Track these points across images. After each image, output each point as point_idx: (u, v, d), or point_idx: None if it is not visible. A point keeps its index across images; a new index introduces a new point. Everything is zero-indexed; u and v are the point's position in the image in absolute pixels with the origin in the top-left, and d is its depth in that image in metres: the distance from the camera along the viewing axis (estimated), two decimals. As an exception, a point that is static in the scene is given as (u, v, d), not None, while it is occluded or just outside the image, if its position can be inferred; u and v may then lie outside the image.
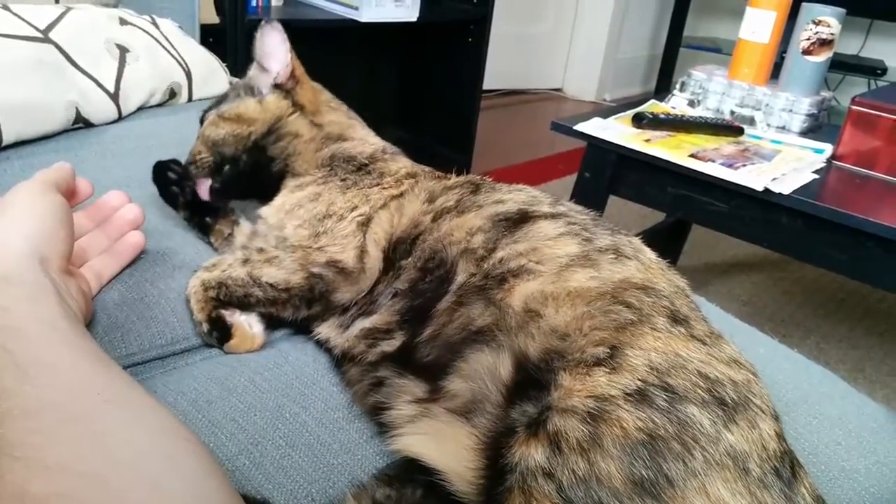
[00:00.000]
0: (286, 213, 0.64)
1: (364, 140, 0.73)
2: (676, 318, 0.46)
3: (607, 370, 0.41)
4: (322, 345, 0.59)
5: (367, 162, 0.69)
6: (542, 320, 0.46)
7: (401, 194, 0.63)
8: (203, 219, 0.71)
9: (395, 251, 0.58)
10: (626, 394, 0.40)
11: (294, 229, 0.62)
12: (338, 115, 0.74)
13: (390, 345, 0.54)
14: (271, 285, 0.58)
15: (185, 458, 0.37)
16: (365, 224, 0.61)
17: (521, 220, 0.56)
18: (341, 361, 0.57)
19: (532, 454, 0.38)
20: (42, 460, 0.32)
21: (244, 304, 0.59)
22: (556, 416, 0.39)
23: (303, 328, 0.61)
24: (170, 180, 0.71)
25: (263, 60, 0.72)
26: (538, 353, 0.44)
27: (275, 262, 0.59)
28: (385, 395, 0.51)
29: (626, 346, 0.43)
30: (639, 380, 0.40)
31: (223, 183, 0.69)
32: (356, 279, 0.58)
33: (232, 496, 0.38)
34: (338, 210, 0.62)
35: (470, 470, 0.42)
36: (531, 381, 0.43)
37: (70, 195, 0.57)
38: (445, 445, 0.45)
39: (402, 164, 0.70)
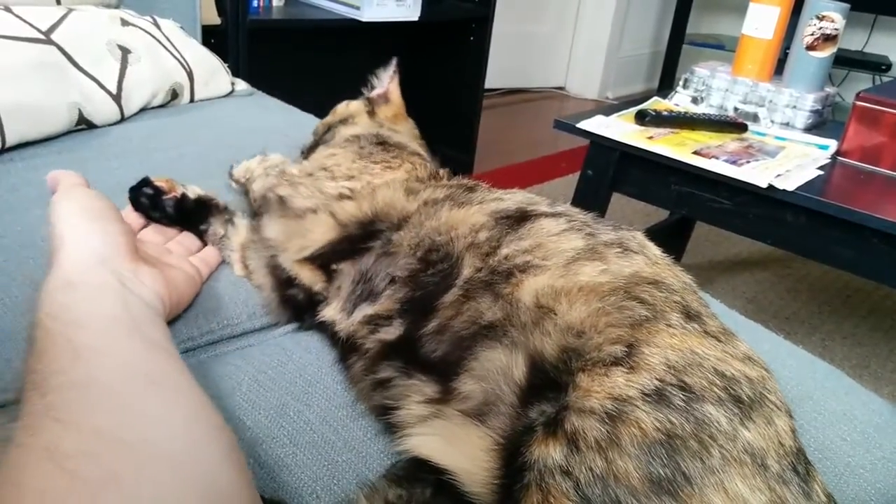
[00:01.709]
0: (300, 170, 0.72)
1: (407, 139, 0.80)
2: (689, 314, 0.46)
3: (625, 369, 0.41)
4: (327, 329, 0.59)
5: (392, 144, 0.74)
6: (556, 317, 0.46)
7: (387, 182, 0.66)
8: (196, 227, 0.69)
9: (374, 223, 0.60)
10: (644, 394, 0.39)
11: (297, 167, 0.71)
12: (402, 128, 0.84)
13: (389, 332, 0.53)
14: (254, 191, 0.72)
15: (209, 444, 0.39)
16: (342, 198, 0.64)
17: (522, 218, 0.56)
18: (346, 353, 0.57)
19: (550, 453, 0.38)
20: (78, 424, 0.35)
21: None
22: (574, 416, 0.39)
23: (310, 309, 0.61)
24: (145, 206, 0.68)
25: (376, 83, 0.89)
26: (555, 352, 0.44)
27: (260, 179, 0.73)
28: (392, 396, 0.50)
29: (642, 344, 0.43)
30: (656, 379, 0.40)
31: None
32: (291, 218, 0.64)
33: (249, 491, 0.40)
34: (336, 171, 0.68)
35: (484, 471, 0.42)
36: (548, 381, 0.43)
37: None
38: (458, 447, 0.44)
39: (422, 162, 0.73)
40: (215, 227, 0.69)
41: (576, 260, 0.50)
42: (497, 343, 0.47)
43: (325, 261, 0.60)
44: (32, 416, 0.36)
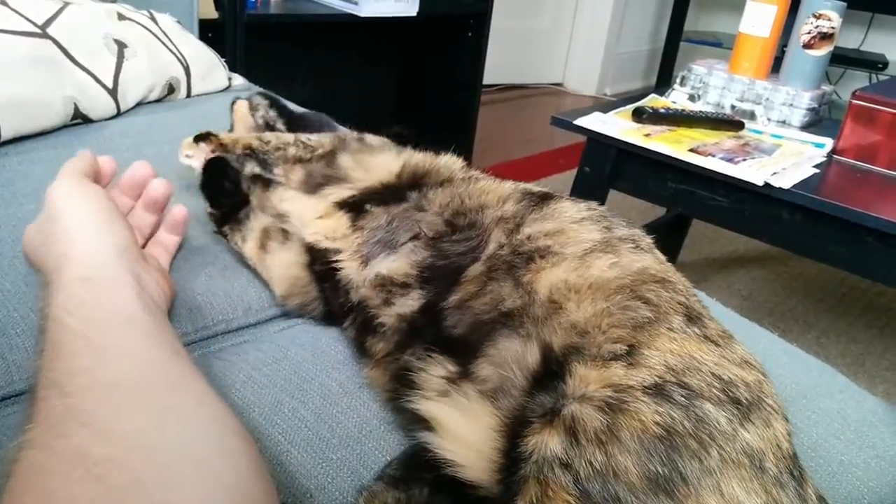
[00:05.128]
0: None
1: None
2: (691, 317, 0.47)
3: (624, 364, 0.41)
4: (341, 292, 0.57)
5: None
6: (564, 314, 0.46)
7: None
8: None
9: (425, 178, 0.62)
10: (645, 387, 0.39)
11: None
12: None
13: (406, 304, 0.52)
14: (306, 143, 0.68)
15: (237, 452, 0.39)
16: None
17: (545, 196, 0.57)
18: (363, 333, 0.55)
19: (548, 443, 0.38)
20: (105, 428, 0.35)
21: (267, 161, 0.68)
22: (572, 402, 0.39)
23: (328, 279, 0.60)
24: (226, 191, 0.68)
25: None
26: (560, 348, 0.45)
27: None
28: (413, 379, 0.49)
29: (643, 346, 0.43)
30: (656, 376, 0.40)
31: None
32: (366, 153, 0.66)
33: (273, 501, 0.39)
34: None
35: (490, 450, 0.42)
36: (553, 372, 0.43)
37: (97, 179, 0.59)
38: (468, 419, 0.44)
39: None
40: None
41: (592, 251, 0.51)
42: (514, 333, 0.47)
43: (361, 201, 0.60)
44: (56, 417, 0.35)
